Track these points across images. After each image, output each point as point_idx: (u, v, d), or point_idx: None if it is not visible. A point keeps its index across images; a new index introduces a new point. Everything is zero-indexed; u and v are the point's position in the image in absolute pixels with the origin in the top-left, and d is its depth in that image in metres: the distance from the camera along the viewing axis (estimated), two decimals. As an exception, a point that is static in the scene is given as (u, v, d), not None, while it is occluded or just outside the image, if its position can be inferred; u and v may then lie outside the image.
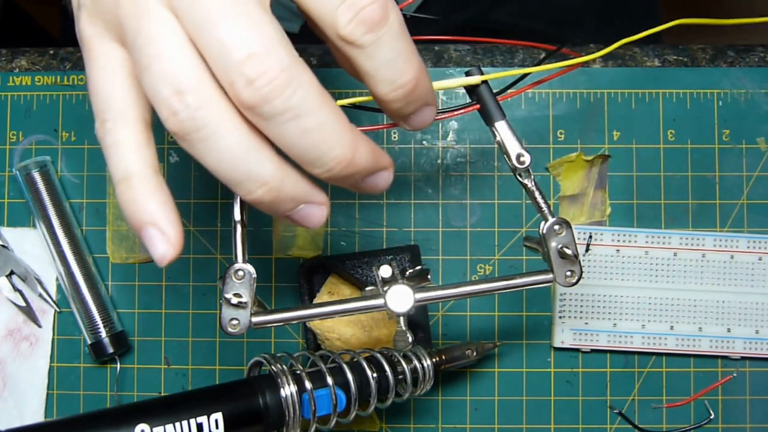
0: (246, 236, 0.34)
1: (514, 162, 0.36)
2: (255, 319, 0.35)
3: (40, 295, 0.49)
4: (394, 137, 0.49)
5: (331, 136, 0.28)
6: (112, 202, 0.49)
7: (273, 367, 0.39)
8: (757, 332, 0.47)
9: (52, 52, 0.51)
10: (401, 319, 0.40)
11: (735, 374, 0.48)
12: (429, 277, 0.39)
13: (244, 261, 0.34)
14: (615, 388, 0.48)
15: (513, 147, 0.36)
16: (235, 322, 0.34)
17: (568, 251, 0.36)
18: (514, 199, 0.49)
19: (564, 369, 0.48)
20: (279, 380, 0.38)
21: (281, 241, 0.49)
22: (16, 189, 0.49)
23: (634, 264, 0.47)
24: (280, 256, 0.49)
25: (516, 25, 0.64)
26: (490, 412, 0.48)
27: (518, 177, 0.37)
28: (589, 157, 0.49)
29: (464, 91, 0.37)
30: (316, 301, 0.48)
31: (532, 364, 0.48)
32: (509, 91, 0.39)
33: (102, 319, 0.47)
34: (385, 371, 0.41)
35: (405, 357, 0.43)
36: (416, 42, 0.30)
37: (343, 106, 0.35)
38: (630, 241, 0.48)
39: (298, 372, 0.39)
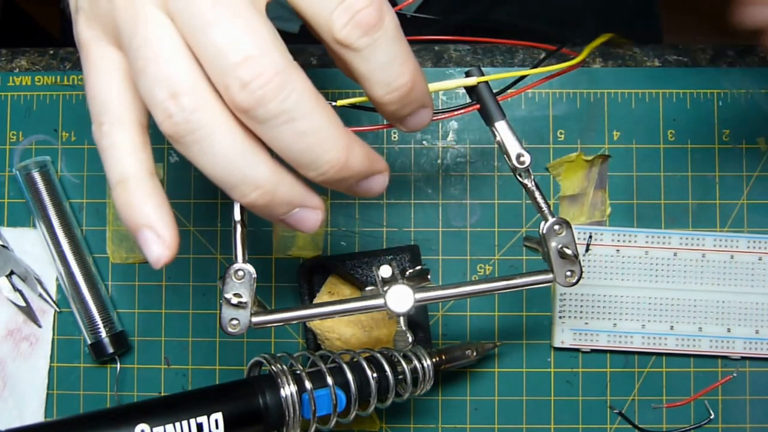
0: (246, 236, 0.34)
1: (514, 162, 0.36)
2: (255, 319, 0.35)
3: (40, 295, 0.49)
4: (394, 137, 0.49)
5: (325, 140, 0.28)
6: (112, 203, 0.49)
7: (273, 367, 0.39)
8: (757, 332, 0.47)
9: (52, 52, 0.51)
10: (401, 319, 0.40)
11: (735, 374, 0.48)
12: (429, 277, 0.39)
13: (244, 261, 0.34)
14: (615, 388, 0.48)
15: (513, 147, 0.36)
16: (235, 322, 0.34)
17: (568, 251, 0.36)
18: (514, 199, 0.49)
19: (564, 369, 0.48)
20: (279, 380, 0.38)
21: (281, 241, 0.49)
22: (16, 189, 0.49)
23: (634, 264, 0.47)
24: (280, 256, 0.49)
25: (516, 25, 0.64)
26: (490, 412, 0.48)
27: (518, 177, 0.37)
28: (589, 157, 0.49)
29: (464, 91, 0.37)
30: (316, 301, 0.48)
31: (532, 364, 0.48)
32: (509, 91, 0.39)
33: (102, 319, 0.47)
34: (385, 371, 0.41)
35: (405, 357, 0.43)
36: (416, 42, 0.30)
37: (343, 106, 0.36)
38: (630, 241, 0.48)
39: (298, 372, 0.39)
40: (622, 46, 0.50)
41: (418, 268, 0.39)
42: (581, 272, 0.37)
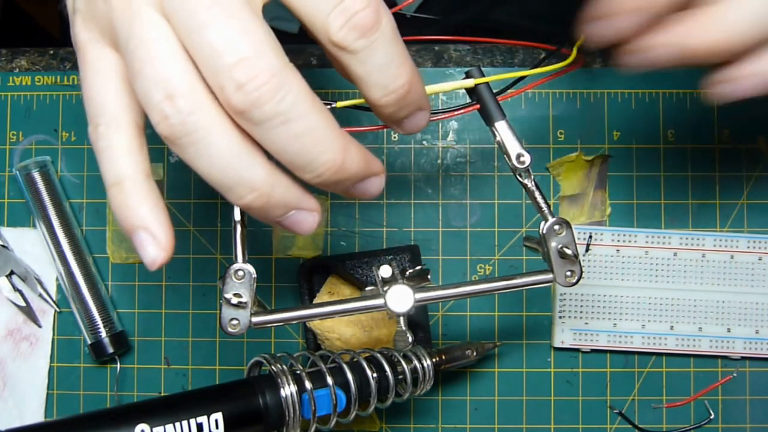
0: (246, 236, 0.34)
1: (514, 162, 0.36)
2: (255, 319, 0.35)
3: (40, 295, 0.49)
4: (394, 137, 0.49)
5: (321, 141, 0.28)
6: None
7: (273, 367, 0.39)
8: (757, 332, 0.47)
9: (52, 52, 0.51)
10: (401, 319, 0.40)
11: (735, 374, 0.48)
12: (429, 277, 0.39)
13: (244, 261, 0.34)
14: (615, 388, 0.48)
15: (513, 147, 0.36)
16: (235, 322, 0.34)
17: (568, 251, 0.36)
18: (514, 199, 0.49)
19: (564, 369, 0.48)
20: (279, 380, 0.38)
21: (281, 241, 0.49)
22: (16, 189, 0.49)
23: (634, 264, 0.47)
24: (280, 256, 0.49)
25: (516, 25, 0.64)
26: (490, 412, 0.48)
27: (518, 177, 0.37)
28: (589, 157, 0.49)
29: (465, 91, 0.37)
30: (316, 301, 0.48)
31: (532, 364, 0.48)
32: (509, 91, 0.39)
33: (102, 319, 0.47)
34: (385, 371, 0.41)
35: (405, 357, 0.43)
36: (416, 42, 0.30)
37: (343, 107, 0.36)
38: (630, 241, 0.48)
39: (298, 372, 0.39)
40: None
41: (418, 268, 0.39)
42: (581, 272, 0.37)
